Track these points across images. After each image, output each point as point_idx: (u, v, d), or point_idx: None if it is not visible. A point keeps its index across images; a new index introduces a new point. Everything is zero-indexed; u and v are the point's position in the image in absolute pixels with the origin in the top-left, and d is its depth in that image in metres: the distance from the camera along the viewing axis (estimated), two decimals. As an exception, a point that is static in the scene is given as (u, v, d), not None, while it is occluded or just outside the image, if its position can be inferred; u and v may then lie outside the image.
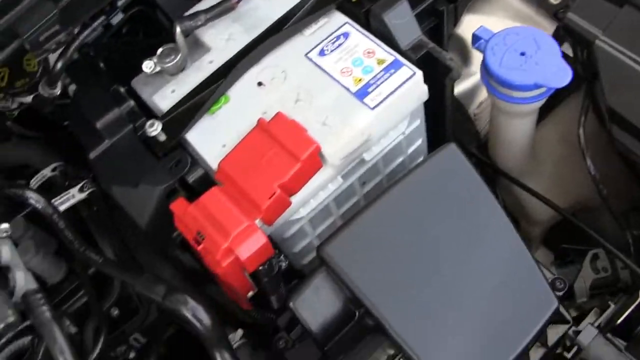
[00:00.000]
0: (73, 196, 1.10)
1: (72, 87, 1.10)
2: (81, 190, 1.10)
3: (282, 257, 0.98)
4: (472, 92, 1.30)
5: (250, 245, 0.87)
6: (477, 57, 1.30)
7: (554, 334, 0.95)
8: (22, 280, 0.85)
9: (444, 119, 1.10)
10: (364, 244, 0.86)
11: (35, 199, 1.01)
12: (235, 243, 0.87)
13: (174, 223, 0.94)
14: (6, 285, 0.85)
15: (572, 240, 1.23)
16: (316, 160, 0.91)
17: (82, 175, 1.12)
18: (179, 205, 0.92)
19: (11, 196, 1.00)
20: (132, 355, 1.14)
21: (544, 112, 1.19)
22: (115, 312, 1.10)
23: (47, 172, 1.15)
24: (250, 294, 0.99)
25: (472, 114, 1.31)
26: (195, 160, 0.97)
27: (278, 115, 0.93)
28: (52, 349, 0.81)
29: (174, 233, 0.99)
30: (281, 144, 0.91)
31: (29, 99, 1.08)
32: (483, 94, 1.31)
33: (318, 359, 0.93)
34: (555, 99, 1.22)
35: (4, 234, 0.91)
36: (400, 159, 1.07)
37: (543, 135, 1.21)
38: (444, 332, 0.84)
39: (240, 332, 1.06)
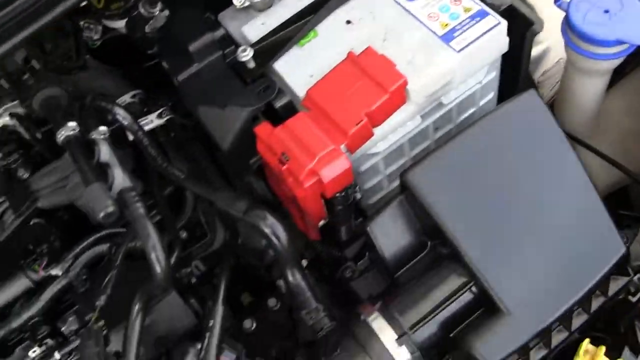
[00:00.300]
0: (152, 121, 1.14)
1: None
2: (160, 116, 1.15)
3: (357, 188, 1.01)
4: (537, 60, 1.32)
5: (334, 169, 0.91)
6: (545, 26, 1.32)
7: (614, 286, 0.97)
8: (120, 177, 0.90)
9: (518, 75, 1.13)
10: (446, 173, 0.90)
11: (122, 116, 1.05)
12: (320, 165, 0.90)
13: (255, 148, 0.98)
14: (105, 181, 0.89)
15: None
16: (402, 94, 0.95)
17: (160, 104, 1.17)
18: (263, 128, 0.96)
19: (101, 109, 1.04)
20: (193, 280, 1.18)
21: (611, 84, 1.21)
22: (183, 234, 1.15)
23: (127, 98, 1.19)
24: (322, 223, 1.02)
25: (535, 81, 1.34)
26: (280, 89, 1.01)
27: (368, 49, 0.97)
28: (145, 244, 0.84)
29: (252, 159, 1.03)
30: (370, 76, 0.94)
31: (121, 23, 1.12)
32: (548, 62, 1.33)
33: (387, 286, 0.97)
34: (624, 70, 1.25)
35: (102, 136, 0.96)
36: (472, 110, 1.10)
37: (609, 103, 1.23)
38: (516, 264, 0.88)
39: (304, 261, 1.10)
